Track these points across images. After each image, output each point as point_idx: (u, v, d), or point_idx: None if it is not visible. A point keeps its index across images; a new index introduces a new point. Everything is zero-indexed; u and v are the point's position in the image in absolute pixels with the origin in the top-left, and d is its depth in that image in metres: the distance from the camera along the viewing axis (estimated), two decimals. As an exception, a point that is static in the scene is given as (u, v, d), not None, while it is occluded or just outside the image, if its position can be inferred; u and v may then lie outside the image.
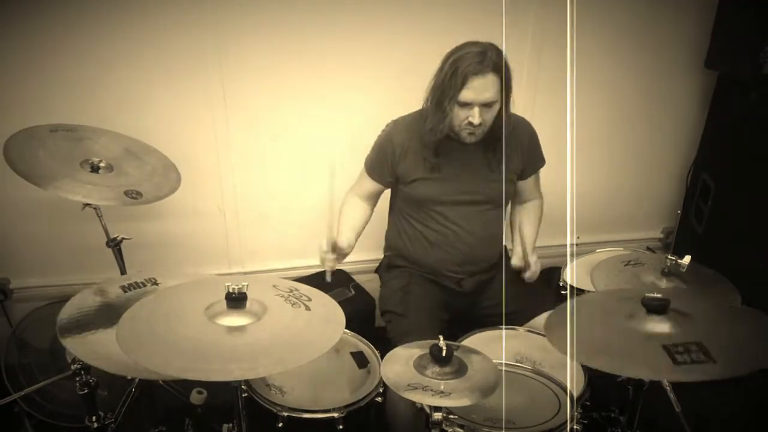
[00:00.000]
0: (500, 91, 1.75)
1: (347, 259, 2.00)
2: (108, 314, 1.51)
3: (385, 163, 1.95)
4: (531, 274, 1.92)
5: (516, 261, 1.95)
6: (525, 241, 1.93)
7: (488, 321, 1.94)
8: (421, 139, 1.89)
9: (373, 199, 2.08)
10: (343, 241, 1.88)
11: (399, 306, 1.96)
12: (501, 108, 1.79)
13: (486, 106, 1.75)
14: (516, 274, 1.96)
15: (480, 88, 1.72)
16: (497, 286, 1.97)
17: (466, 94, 1.72)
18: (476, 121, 1.75)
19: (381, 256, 2.19)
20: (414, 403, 1.45)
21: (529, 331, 1.87)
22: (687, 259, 1.72)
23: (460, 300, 2.04)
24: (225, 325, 1.27)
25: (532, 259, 1.91)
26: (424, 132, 1.86)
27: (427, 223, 1.96)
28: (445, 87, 1.75)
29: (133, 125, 2.11)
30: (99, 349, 1.40)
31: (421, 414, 1.53)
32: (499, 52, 1.73)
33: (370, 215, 2.09)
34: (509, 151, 1.91)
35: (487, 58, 1.71)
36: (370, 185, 2.03)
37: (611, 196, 2.83)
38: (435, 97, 1.80)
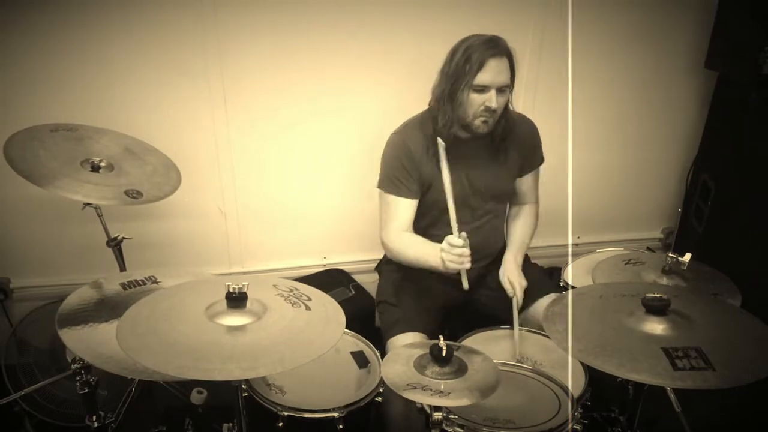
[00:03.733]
0: (511, 78, 1.75)
1: (347, 259, 2.00)
2: (108, 310, 1.52)
3: (413, 171, 1.85)
4: (510, 294, 1.89)
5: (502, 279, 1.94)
6: (507, 266, 1.94)
7: (485, 312, 1.93)
8: (433, 139, 1.84)
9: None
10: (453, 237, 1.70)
11: (392, 296, 1.96)
12: (508, 99, 1.79)
13: (500, 91, 1.74)
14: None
15: (496, 70, 1.71)
16: (494, 277, 1.97)
17: (483, 77, 1.71)
18: (494, 104, 1.73)
19: (380, 256, 2.19)
20: (408, 402, 1.44)
21: (530, 331, 1.87)
22: (687, 256, 1.72)
23: (459, 292, 2.03)
24: (225, 324, 1.27)
25: (517, 283, 1.89)
26: (437, 130, 1.80)
27: (430, 231, 1.92)
28: (459, 74, 1.73)
29: (133, 125, 2.11)
30: (98, 347, 1.40)
31: (418, 414, 1.52)
32: (504, 40, 1.74)
33: None
34: (511, 147, 1.90)
35: (499, 44, 1.72)
36: (408, 207, 1.87)
37: (611, 196, 2.84)
38: (447, 89, 1.77)
